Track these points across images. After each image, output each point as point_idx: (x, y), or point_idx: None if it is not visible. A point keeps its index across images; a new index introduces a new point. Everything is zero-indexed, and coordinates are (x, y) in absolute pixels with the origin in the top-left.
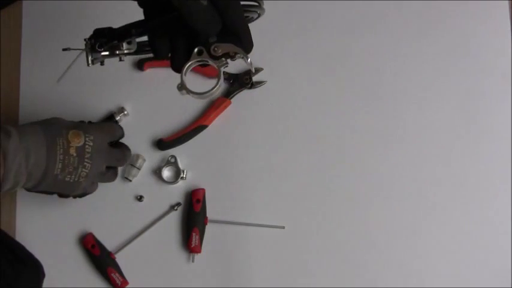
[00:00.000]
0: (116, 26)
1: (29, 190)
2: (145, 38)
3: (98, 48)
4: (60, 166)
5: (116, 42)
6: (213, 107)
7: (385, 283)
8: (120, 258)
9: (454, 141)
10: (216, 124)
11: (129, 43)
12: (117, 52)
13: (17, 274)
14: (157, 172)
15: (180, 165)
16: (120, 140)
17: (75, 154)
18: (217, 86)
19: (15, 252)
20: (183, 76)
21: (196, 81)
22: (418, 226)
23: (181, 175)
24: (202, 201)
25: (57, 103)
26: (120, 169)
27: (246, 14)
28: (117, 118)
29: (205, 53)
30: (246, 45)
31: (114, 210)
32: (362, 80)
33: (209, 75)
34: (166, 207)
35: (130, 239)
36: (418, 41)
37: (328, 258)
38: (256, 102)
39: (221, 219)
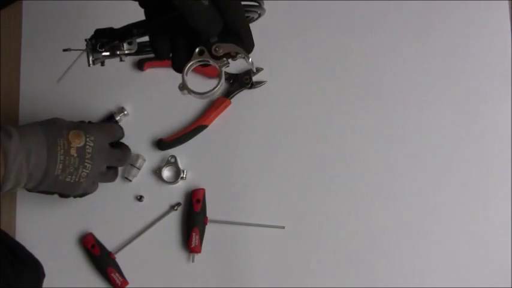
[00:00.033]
0: (116, 26)
1: (29, 190)
2: (146, 39)
3: (99, 48)
4: (60, 167)
5: (116, 42)
6: (213, 107)
7: (385, 283)
8: (120, 258)
9: (454, 142)
10: (216, 124)
11: (129, 43)
12: (118, 52)
13: (17, 274)
14: (157, 172)
15: (180, 165)
16: (120, 140)
17: (75, 155)
18: (219, 86)
19: (15, 252)
20: (185, 76)
21: (196, 81)
22: (418, 226)
23: (181, 175)
24: (202, 201)
25: (57, 103)
26: (120, 169)
27: (246, 14)
28: (117, 118)
29: (206, 53)
30: (247, 45)
31: (114, 210)
32: (362, 80)
33: (209, 75)
34: (166, 207)
35: (130, 239)
36: (418, 41)
37: (329, 258)
38: (256, 102)
39: (221, 219)
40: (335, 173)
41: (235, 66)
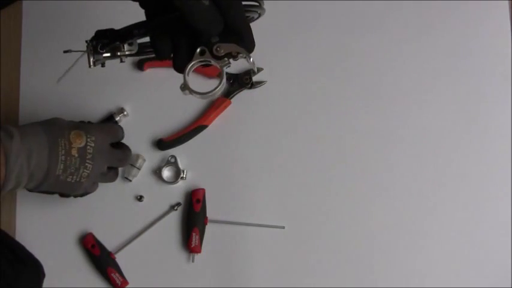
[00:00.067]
0: (117, 27)
1: (30, 190)
2: (146, 39)
3: (100, 49)
4: (62, 167)
5: (117, 43)
6: (213, 107)
7: (385, 283)
8: (120, 258)
9: (455, 141)
10: (216, 124)
11: (130, 44)
12: (119, 53)
13: (17, 274)
14: (157, 172)
15: (180, 165)
16: (121, 141)
17: (76, 155)
18: (220, 86)
19: (15, 252)
20: (186, 76)
21: (196, 81)
22: (419, 226)
23: (181, 175)
24: (202, 201)
25: (57, 103)
26: (120, 169)
27: (246, 14)
28: (117, 119)
29: (207, 53)
30: (248, 44)
31: (114, 210)
32: (362, 80)
33: (210, 75)
34: (166, 207)
35: (131, 239)
36: (418, 41)
37: (328, 258)
38: (256, 102)
39: (221, 219)
40: (335, 173)
41: (235, 66)
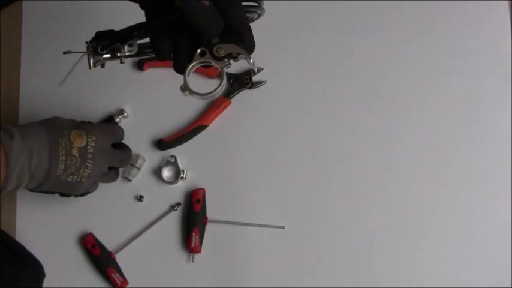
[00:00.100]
0: (117, 27)
1: (31, 190)
2: (146, 40)
3: (100, 50)
4: (62, 167)
5: (118, 44)
6: (213, 107)
7: (385, 283)
8: (120, 258)
9: (455, 142)
10: (216, 124)
11: (130, 45)
12: (119, 54)
13: (17, 274)
14: (157, 172)
15: (180, 165)
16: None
17: (77, 155)
18: (221, 87)
19: (15, 252)
20: (186, 77)
21: (196, 81)
22: (419, 226)
23: (181, 175)
24: (202, 201)
25: (57, 103)
26: (120, 169)
27: (246, 15)
28: (117, 120)
29: (208, 54)
30: (248, 45)
31: (114, 210)
32: (362, 80)
33: (210, 76)
34: (166, 207)
35: (131, 239)
36: (418, 41)
37: (328, 258)
38: (256, 102)
39: (221, 219)
40: (335, 173)
41: (235, 66)
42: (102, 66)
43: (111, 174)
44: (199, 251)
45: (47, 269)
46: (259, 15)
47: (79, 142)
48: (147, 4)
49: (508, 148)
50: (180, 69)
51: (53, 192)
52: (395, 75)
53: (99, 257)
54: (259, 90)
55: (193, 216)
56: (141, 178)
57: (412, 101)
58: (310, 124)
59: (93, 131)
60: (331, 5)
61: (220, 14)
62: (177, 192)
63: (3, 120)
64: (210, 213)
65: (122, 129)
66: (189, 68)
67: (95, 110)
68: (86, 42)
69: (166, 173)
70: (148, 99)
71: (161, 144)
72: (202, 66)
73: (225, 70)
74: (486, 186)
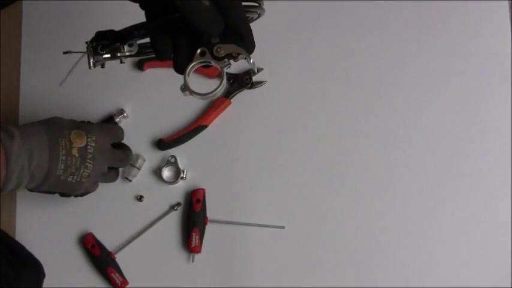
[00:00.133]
0: (117, 27)
1: (31, 190)
2: (146, 40)
3: (100, 50)
4: (62, 167)
5: (118, 44)
6: (213, 107)
7: (385, 283)
8: (120, 258)
9: (455, 142)
10: (216, 124)
11: (130, 45)
12: (119, 54)
13: (17, 274)
14: (157, 172)
15: (180, 165)
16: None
17: (77, 155)
18: (221, 87)
19: (15, 252)
20: (186, 77)
21: (197, 81)
22: (419, 226)
23: (181, 175)
24: (202, 201)
25: (57, 103)
26: (120, 169)
27: (246, 15)
28: (117, 120)
29: (208, 54)
30: (248, 45)
31: (114, 210)
32: (362, 80)
33: (210, 75)
34: (166, 207)
35: (131, 239)
36: (418, 41)
37: (328, 258)
38: (256, 102)
39: (221, 219)
40: (335, 173)
41: (235, 66)
42: (102, 66)
43: (111, 174)
44: (199, 251)
45: (47, 269)
46: (259, 15)
47: (79, 142)
48: (147, 4)
49: (508, 148)
50: (180, 69)
51: (53, 192)
52: (395, 75)
53: (99, 257)
54: (259, 90)
55: (193, 216)
56: (141, 178)
57: (412, 101)
58: (310, 124)
59: (93, 131)
60: (331, 5)
61: (220, 13)
62: (177, 192)
63: (3, 120)
64: (210, 213)
65: (121, 129)
66: (189, 68)
67: (95, 110)
68: (86, 42)
69: (166, 173)
70: (148, 99)
71: (161, 144)
72: (202, 66)
73: (225, 70)
74: (486, 186)
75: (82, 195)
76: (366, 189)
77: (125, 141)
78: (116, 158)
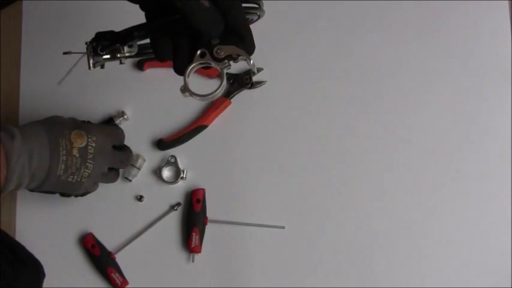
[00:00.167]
0: (117, 27)
1: (31, 190)
2: (146, 41)
3: (100, 51)
4: (63, 167)
5: (117, 45)
6: (213, 107)
7: (385, 283)
8: (120, 258)
9: (455, 142)
10: (216, 124)
11: (130, 46)
12: (119, 55)
13: (17, 274)
14: (157, 172)
15: (180, 165)
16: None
17: (77, 155)
18: (221, 88)
19: (15, 252)
20: (186, 78)
21: (196, 81)
22: (419, 226)
23: (181, 175)
24: (202, 201)
25: (57, 103)
26: (120, 169)
27: (246, 16)
28: (117, 122)
29: (208, 55)
30: (248, 46)
31: (114, 210)
32: (362, 80)
33: (210, 76)
34: (166, 207)
35: (131, 239)
36: (418, 41)
37: (328, 258)
38: (256, 102)
39: (221, 219)
40: (335, 173)
41: (235, 66)
42: (102, 67)
43: (111, 174)
44: (199, 251)
45: (47, 269)
46: (259, 17)
47: (79, 142)
48: (147, 5)
49: (508, 148)
50: (180, 71)
51: (53, 192)
52: (396, 75)
53: (99, 257)
54: (259, 90)
55: (193, 216)
56: (141, 178)
57: (412, 101)
58: (310, 124)
59: (94, 131)
60: (331, 5)
61: (220, 14)
62: (177, 192)
63: (3, 120)
64: (210, 213)
65: (122, 131)
66: (189, 69)
67: (95, 109)
68: (86, 43)
69: (166, 173)
70: (148, 99)
71: (161, 144)
72: (202, 67)
73: (225, 71)
74: (486, 186)
75: (82, 195)
76: (366, 189)
77: (125, 141)
78: (117, 159)
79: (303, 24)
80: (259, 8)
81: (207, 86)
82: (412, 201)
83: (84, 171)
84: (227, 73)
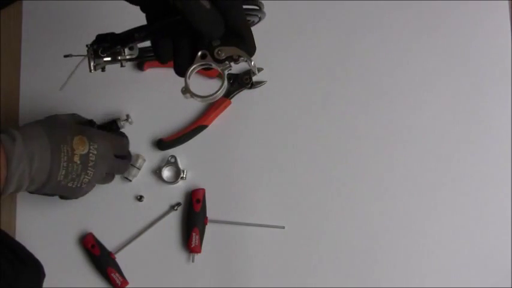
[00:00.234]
0: (117, 27)
1: (31, 192)
2: (146, 44)
3: (101, 53)
4: (63, 173)
5: (118, 47)
6: (213, 107)
7: (385, 283)
8: (120, 258)
9: (455, 141)
10: (216, 124)
11: (131, 48)
12: (119, 58)
13: (17, 274)
14: (157, 172)
15: (180, 165)
16: None
17: (79, 162)
18: (222, 89)
19: (15, 252)
20: (187, 80)
21: (196, 82)
22: (419, 226)
23: (181, 175)
24: (202, 201)
25: (57, 102)
26: None
27: (247, 18)
28: (121, 124)
29: (208, 56)
30: (249, 47)
31: (114, 210)
32: (362, 80)
33: (210, 76)
34: (166, 207)
35: (131, 239)
36: (418, 41)
37: (329, 258)
38: (256, 102)
39: (221, 219)
40: (335, 173)
41: (235, 66)
42: (103, 69)
43: (108, 177)
44: (199, 251)
45: (47, 269)
46: (260, 19)
47: (81, 149)
48: (148, 7)
49: (508, 148)
50: (181, 72)
51: (53, 195)
52: (395, 75)
53: (99, 257)
54: (259, 90)
55: (193, 216)
56: (141, 178)
57: (412, 101)
58: (310, 124)
59: (96, 138)
60: (331, 5)
61: (220, 15)
62: (177, 192)
63: (3, 120)
64: (210, 213)
65: (127, 141)
66: (190, 70)
67: (95, 109)
68: (87, 45)
69: (166, 173)
70: (148, 99)
71: (161, 144)
72: (203, 68)
73: (226, 73)
74: (486, 186)
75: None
76: (366, 189)
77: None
78: (116, 168)
79: (303, 24)
80: (260, 10)
81: (207, 86)
82: (412, 201)
83: (84, 178)
84: (228, 73)
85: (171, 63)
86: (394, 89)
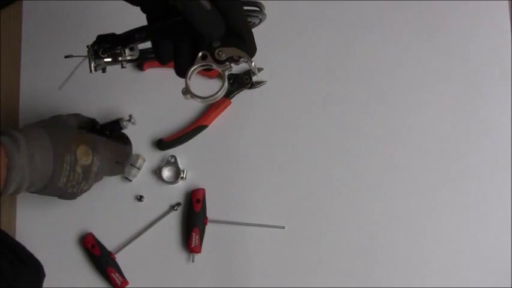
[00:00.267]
0: (118, 27)
1: (31, 192)
2: (147, 45)
3: (101, 54)
4: (64, 180)
5: (119, 48)
6: (213, 107)
7: (385, 283)
8: (120, 258)
9: (455, 141)
10: (216, 124)
11: (131, 49)
12: (120, 59)
13: (17, 274)
14: (157, 172)
15: (180, 165)
16: None
17: (80, 171)
18: (222, 90)
19: (15, 252)
20: (188, 81)
21: (197, 82)
22: (419, 226)
23: (181, 175)
24: (202, 201)
25: (57, 102)
26: None
27: (247, 19)
28: (123, 124)
29: (209, 57)
30: (249, 48)
31: (114, 210)
32: (362, 80)
33: (210, 76)
34: (166, 207)
35: (131, 239)
36: (418, 42)
37: (329, 258)
38: (256, 102)
39: (221, 219)
40: (335, 173)
41: (235, 66)
42: (103, 70)
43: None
44: (199, 251)
45: (47, 269)
46: (260, 20)
47: (84, 159)
48: (148, 8)
49: (508, 148)
50: (182, 73)
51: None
52: (396, 76)
53: (99, 257)
54: (259, 90)
55: (193, 216)
56: (141, 178)
57: (413, 101)
58: (310, 124)
59: (101, 148)
60: (332, 5)
61: (221, 16)
62: (177, 192)
63: (3, 120)
64: (210, 213)
65: (131, 149)
66: (190, 71)
67: (95, 109)
68: (87, 46)
69: (166, 173)
70: (148, 99)
71: (161, 144)
72: (204, 69)
73: (227, 74)
74: (486, 186)
75: None
76: (366, 189)
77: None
78: (114, 173)
79: (303, 24)
80: (261, 11)
81: (207, 86)
82: (412, 201)
83: (84, 186)
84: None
85: (171, 63)
86: (394, 89)
